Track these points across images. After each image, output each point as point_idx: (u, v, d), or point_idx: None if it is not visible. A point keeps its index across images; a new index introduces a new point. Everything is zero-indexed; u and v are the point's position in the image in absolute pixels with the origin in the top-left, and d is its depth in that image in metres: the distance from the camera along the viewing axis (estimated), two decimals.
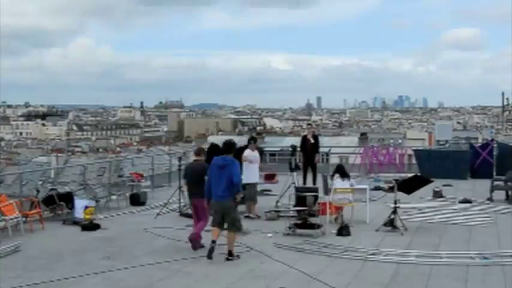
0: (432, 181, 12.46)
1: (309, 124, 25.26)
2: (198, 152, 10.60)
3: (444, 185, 16.08)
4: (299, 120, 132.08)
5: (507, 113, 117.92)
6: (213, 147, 12.65)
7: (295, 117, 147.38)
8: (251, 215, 12.37)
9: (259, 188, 14.56)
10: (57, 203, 12.61)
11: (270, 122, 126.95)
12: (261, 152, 14.51)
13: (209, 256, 8.94)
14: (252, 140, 13.35)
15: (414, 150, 21.29)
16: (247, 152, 12.75)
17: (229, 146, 9.42)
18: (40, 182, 15.51)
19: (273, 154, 25.33)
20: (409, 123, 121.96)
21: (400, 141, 54.93)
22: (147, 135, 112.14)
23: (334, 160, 23.40)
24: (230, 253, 9.07)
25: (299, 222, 10.93)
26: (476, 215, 12.75)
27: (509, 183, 14.59)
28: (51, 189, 13.64)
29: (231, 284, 7.85)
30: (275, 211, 12.53)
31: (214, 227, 9.17)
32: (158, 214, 12.95)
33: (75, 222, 12.02)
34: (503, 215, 12.85)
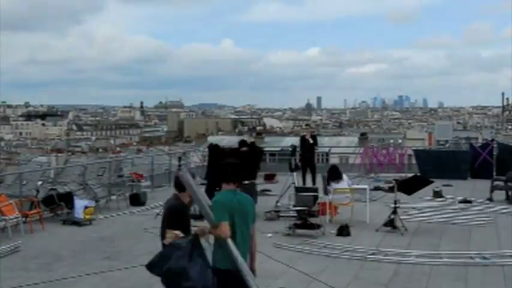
0: (433, 182, 12.46)
1: (307, 124, 25.29)
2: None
3: (444, 185, 16.07)
4: (299, 120, 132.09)
5: (507, 113, 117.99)
6: (213, 147, 12.72)
7: (295, 117, 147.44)
8: None
9: (259, 188, 14.59)
10: (57, 203, 12.61)
11: (270, 122, 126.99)
12: (260, 153, 14.53)
13: None
14: (242, 144, 13.30)
15: (414, 150, 21.28)
16: None
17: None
18: (40, 182, 15.49)
19: (273, 154, 25.36)
20: (409, 123, 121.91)
21: (400, 141, 54.98)
22: (147, 135, 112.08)
23: (334, 160, 23.43)
24: None
25: (299, 222, 10.94)
26: (476, 215, 12.74)
27: (509, 183, 14.58)
28: (51, 189, 13.65)
29: None
30: (275, 211, 12.54)
31: None
32: (158, 214, 12.92)
33: (75, 222, 12.04)
34: (503, 215, 12.85)
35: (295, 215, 11.44)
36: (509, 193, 14.54)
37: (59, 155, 55.70)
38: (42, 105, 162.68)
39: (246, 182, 11.96)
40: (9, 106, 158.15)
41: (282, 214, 12.23)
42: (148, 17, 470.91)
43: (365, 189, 12.75)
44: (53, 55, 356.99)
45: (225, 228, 4.94)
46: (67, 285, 7.91)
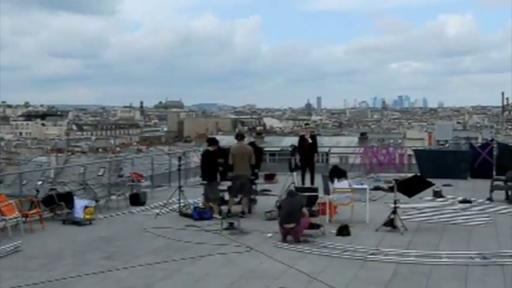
0: (433, 184, 12.46)
1: (306, 124, 25.33)
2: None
3: (444, 185, 16.08)
4: (299, 120, 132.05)
5: (507, 113, 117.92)
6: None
7: (295, 117, 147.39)
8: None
9: (259, 188, 14.60)
10: (57, 203, 12.60)
11: (270, 122, 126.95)
12: (260, 152, 14.53)
13: None
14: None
15: (414, 150, 21.29)
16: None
17: None
18: (40, 182, 15.54)
19: (272, 154, 25.35)
20: (409, 123, 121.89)
21: (400, 141, 55.00)
22: (147, 135, 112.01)
23: (334, 160, 23.41)
24: None
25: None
26: (476, 215, 12.74)
27: (509, 183, 14.58)
28: (51, 189, 13.66)
29: (231, 284, 7.85)
30: (275, 211, 12.53)
31: None
32: (158, 214, 12.95)
33: (75, 222, 12.04)
34: (503, 215, 12.85)
35: None
36: (509, 193, 14.54)
37: (59, 155, 55.61)
38: (42, 105, 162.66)
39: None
40: (9, 106, 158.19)
41: None
42: None
43: (365, 189, 12.75)
44: None
45: None
46: (67, 285, 7.91)
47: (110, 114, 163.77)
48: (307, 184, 14.70)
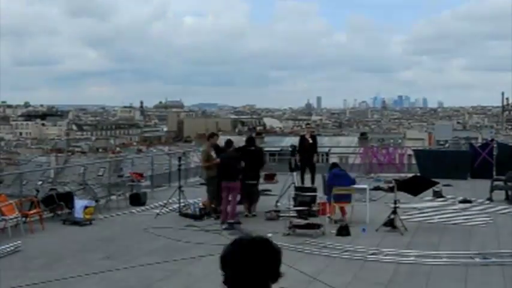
0: (438, 183, 12.45)
1: (307, 124, 25.29)
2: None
3: (444, 185, 16.05)
4: (299, 120, 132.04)
5: (507, 113, 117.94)
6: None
7: (295, 117, 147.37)
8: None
9: (259, 188, 14.58)
10: (57, 203, 12.61)
11: (269, 122, 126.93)
12: (260, 153, 14.49)
13: None
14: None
15: (414, 150, 21.29)
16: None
17: None
18: (40, 182, 15.54)
19: (272, 154, 25.33)
20: (409, 123, 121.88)
21: (400, 141, 55.01)
22: (147, 135, 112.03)
23: (333, 160, 23.41)
24: None
25: (298, 223, 10.93)
26: (476, 215, 12.75)
27: (509, 183, 14.59)
28: (51, 189, 13.67)
29: None
30: (275, 211, 12.54)
31: None
32: (158, 214, 12.95)
33: (75, 222, 12.04)
34: (503, 215, 12.85)
35: (295, 215, 11.44)
36: (509, 193, 14.54)
37: (59, 155, 55.59)
38: (42, 105, 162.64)
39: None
40: (9, 106, 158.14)
41: (282, 214, 12.23)
42: None
43: (365, 189, 12.75)
44: None
45: None
46: (67, 285, 7.91)
47: (110, 114, 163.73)
48: (307, 184, 14.70)
